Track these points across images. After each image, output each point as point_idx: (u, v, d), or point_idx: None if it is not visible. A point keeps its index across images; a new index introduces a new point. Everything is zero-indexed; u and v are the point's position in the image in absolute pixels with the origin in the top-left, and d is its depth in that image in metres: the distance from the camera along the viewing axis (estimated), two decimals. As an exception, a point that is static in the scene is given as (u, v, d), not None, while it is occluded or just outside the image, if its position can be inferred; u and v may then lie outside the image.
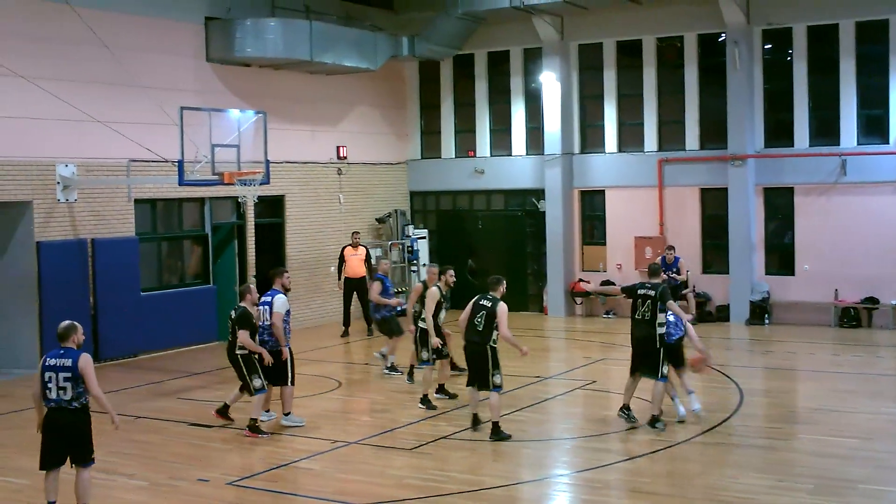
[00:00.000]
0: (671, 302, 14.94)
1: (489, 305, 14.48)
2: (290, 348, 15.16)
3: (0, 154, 19.31)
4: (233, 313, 15.03)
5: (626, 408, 15.18)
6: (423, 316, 16.96)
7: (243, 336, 14.72)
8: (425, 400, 16.49)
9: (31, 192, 19.86)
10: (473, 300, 14.77)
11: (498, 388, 14.41)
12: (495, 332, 14.40)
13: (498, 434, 14.32)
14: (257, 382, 14.90)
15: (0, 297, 20.33)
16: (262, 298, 15.26)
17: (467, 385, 14.94)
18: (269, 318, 14.97)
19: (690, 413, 15.20)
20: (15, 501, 11.89)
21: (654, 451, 13.62)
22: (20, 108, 19.56)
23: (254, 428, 14.85)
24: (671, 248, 24.19)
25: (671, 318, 15.08)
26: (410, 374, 18.63)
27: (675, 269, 23.41)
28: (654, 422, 14.76)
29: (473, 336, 14.55)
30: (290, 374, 15.13)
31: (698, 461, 13.28)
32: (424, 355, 16.81)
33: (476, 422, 14.86)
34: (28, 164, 19.81)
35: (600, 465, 13.06)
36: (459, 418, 15.54)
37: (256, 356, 14.88)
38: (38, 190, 19.97)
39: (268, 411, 15.65)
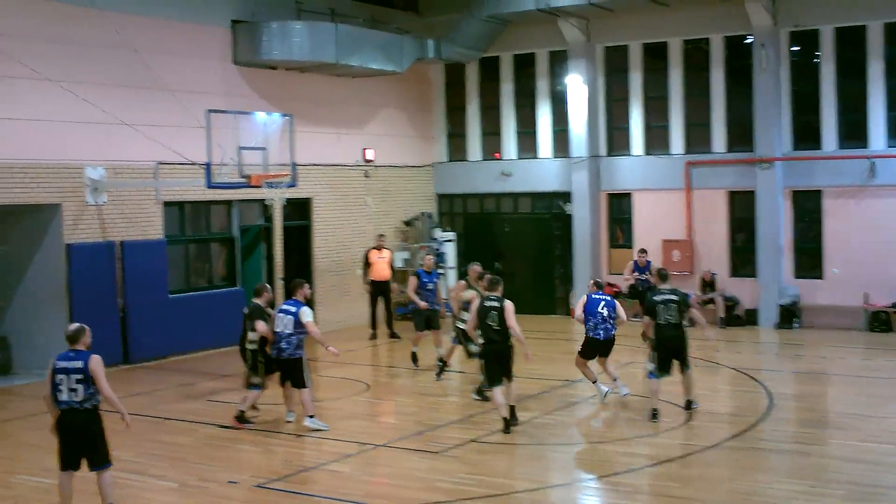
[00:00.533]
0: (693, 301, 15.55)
1: (498, 305, 15.03)
2: (305, 354, 15.38)
3: (30, 157, 19.42)
4: (245, 309, 15.68)
5: (655, 413, 15.55)
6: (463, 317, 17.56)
7: (261, 326, 15.25)
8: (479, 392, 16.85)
9: (60, 194, 19.97)
10: (479, 304, 15.30)
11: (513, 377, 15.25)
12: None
13: (515, 418, 15.07)
14: (256, 380, 15.52)
15: (30, 300, 20.48)
16: (283, 307, 15.47)
17: (491, 385, 15.08)
18: (290, 327, 15.14)
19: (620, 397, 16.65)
20: (46, 502, 11.93)
21: (683, 456, 13.56)
22: (50, 111, 19.66)
23: (241, 419, 15.48)
24: (643, 251, 24.58)
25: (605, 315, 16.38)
26: (440, 372, 19.02)
27: (647, 272, 23.78)
28: (689, 406, 15.92)
29: (493, 336, 14.99)
30: (307, 379, 15.31)
31: (728, 466, 13.21)
32: (473, 348, 16.85)
33: (508, 425, 14.86)
34: (58, 167, 19.91)
35: (629, 470, 13.01)
36: (488, 422, 15.51)
37: (261, 357, 15.47)
38: (67, 193, 20.07)
39: (291, 412, 15.87)
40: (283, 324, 15.18)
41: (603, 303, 16.52)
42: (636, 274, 24.35)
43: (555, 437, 14.80)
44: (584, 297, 16.84)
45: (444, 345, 19.46)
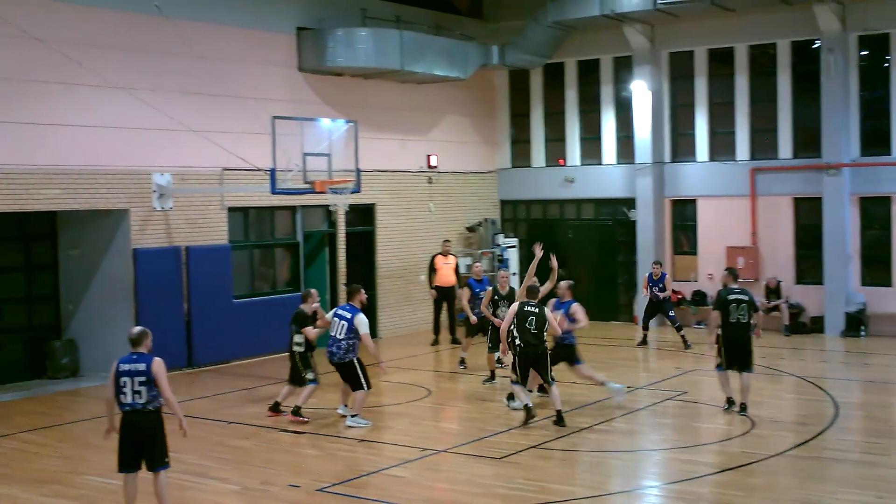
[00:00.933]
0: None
1: (537, 311, 15.72)
2: (359, 358, 15.98)
3: (99, 163, 19.71)
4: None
5: (731, 400, 16.39)
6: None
7: (311, 331, 16.22)
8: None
9: (128, 200, 20.24)
10: (517, 308, 15.85)
11: (554, 380, 15.89)
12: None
13: (562, 420, 15.48)
14: (310, 375, 16.42)
15: (98, 303, 20.78)
16: (338, 311, 16.06)
17: (516, 384, 15.81)
18: (343, 332, 15.74)
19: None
20: (112, 502, 12.09)
21: (746, 464, 13.40)
22: (119, 118, 19.94)
23: (297, 412, 16.20)
24: (658, 263, 24.59)
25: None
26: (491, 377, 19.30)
27: (661, 286, 23.89)
28: (744, 409, 16.14)
29: (531, 339, 15.62)
30: (363, 380, 15.90)
31: (792, 475, 13.04)
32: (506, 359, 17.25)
33: (529, 418, 15.61)
34: (126, 173, 20.18)
35: (691, 478, 12.90)
36: (550, 428, 15.48)
37: (310, 354, 16.35)
38: (134, 198, 20.34)
39: (345, 405, 16.42)
40: (338, 328, 15.76)
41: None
42: (651, 286, 24.06)
43: (616, 445, 14.74)
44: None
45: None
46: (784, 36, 25.76)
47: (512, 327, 15.78)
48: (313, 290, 17.07)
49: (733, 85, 26.54)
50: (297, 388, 16.56)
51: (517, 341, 15.71)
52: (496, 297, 18.98)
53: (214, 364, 21.67)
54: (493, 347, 18.70)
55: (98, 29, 19.76)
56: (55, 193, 19.08)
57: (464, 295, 20.59)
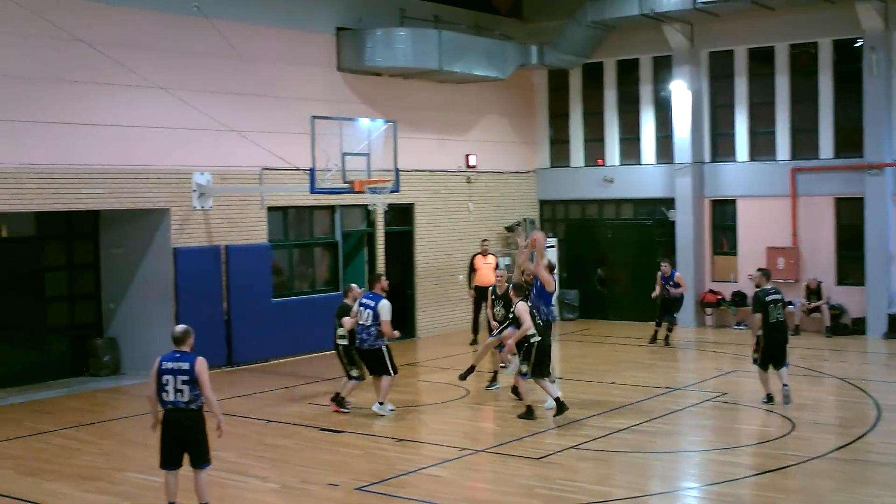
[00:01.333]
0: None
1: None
2: (387, 345, 16.64)
3: (140, 163, 19.87)
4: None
5: (771, 396, 16.92)
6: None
7: (347, 321, 16.60)
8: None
9: (168, 199, 20.38)
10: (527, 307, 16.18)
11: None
12: None
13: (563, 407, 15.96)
14: (354, 372, 16.85)
15: (139, 302, 20.95)
16: (363, 300, 16.61)
17: (535, 377, 16.12)
18: (370, 319, 16.34)
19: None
20: (154, 499, 12.18)
21: (786, 466, 13.32)
22: (159, 118, 20.09)
23: (338, 401, 16.91)
24: (666, 260, 24.44)
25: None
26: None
27: (672, 282, 23.72)
28: (786, 386, 16.90)
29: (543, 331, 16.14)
30: (389, 367, 16.55)
31: (834, 478, 12.94)
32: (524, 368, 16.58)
33: (531, 413, 16.15)
34: (166, 173, 20.33)
35: (731, 479, 12.83)
36: (587, 428, 15.47)
37: (354, 350, 16.68)
38: (175, 197, 20.48)
39: (381, 403, 16.76)
40: (364, 316, 16.39)
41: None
42: (663, 284, 23.89)
43: (655, 445, 14.69)
44: None
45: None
46: (825, 34, 25.57)
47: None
48: (354, 285, 17.45)
49: (773, 84, 26.37)
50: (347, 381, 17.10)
51: (535, 337, 16.00)
52: (493, 297, 18.84)
53: (254, 363, 21.78)
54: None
55: (140, 30, 19.91)
56: (97, 193, 19.25)
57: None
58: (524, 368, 16.13)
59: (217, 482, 12.36)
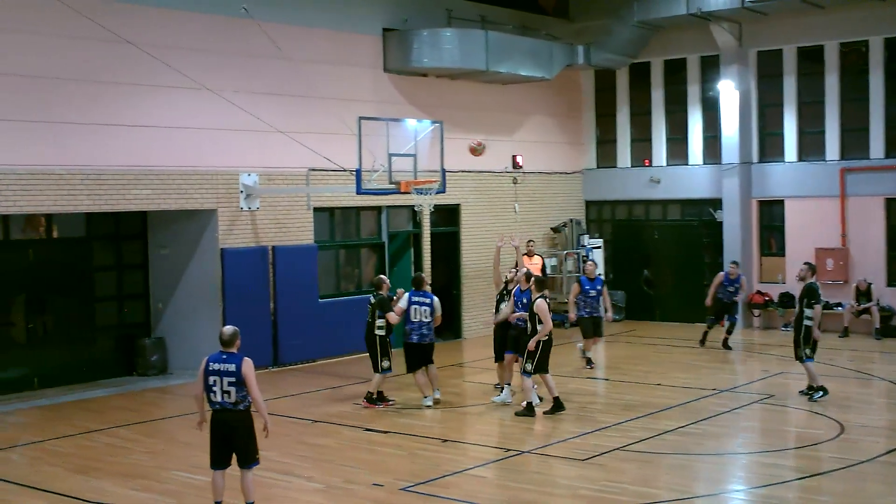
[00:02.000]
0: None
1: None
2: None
3: (188, 164, 20.02)
4: (372, 299, 17.64)
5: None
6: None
7: (393, 316, 17.25)
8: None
9: (215, 200, 20.52)
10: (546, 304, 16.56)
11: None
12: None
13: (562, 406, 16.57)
14: (385, 364, 17.39)
15: (186, 302, 21.11)
16: (414, 298, 17.28)
17: (538, 372, 16.48)
18: (428, 315, 17.16)
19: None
20: (199, 497, 12.27)
21: (834, 470, 13.18)
22: (207, 119, 20.24)
23: (371, 399, 17.40)
24: (735, 263, 24.09)
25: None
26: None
27: (736, 286, 23.43)
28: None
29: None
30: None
31: (882, 481, 12.81)
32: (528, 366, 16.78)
33: (531, 409, 16.47)
34: (214, 174, 20.47)
35: (777, 482, 12.72)
36: (632, 430, 15.41)
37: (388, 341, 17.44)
38: (222, 198, 20.61)
39: (427, 396, 17.48)
40: (421, 313, 17.13)
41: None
42: (726, 286, 23.54)
43: (701, 447, 14.60)
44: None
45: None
46: (876, 32, 25.29)
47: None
48: (383, 276, 18.18)
49: (823, 83, 26.12)
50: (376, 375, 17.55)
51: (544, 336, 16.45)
52: (504, 292, 18.66)
53: (300, 363, 21.88)
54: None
55: (187, 32, 20.07)
56: (146, 194, 19.43)
57: (573, 291, 20.96)
58: (528, 367, 16.47)
59: (261, 481, 12.42)
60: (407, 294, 17.51)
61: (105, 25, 18.23)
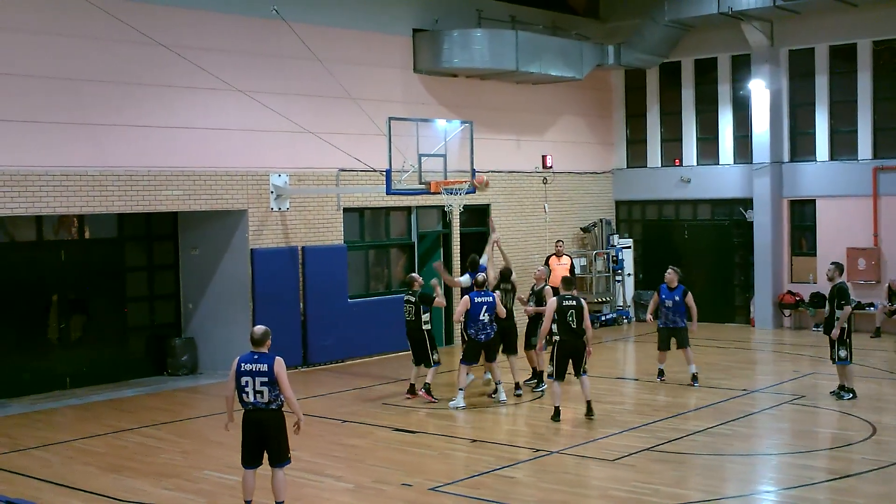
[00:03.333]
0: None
1: (575, 304, 16.40)
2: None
3: (218, 165, 20.12)
4: (412, 297, 18.20)
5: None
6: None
7: (440, 301, 18.35)
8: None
9: (246, 200, 20.60)
10: (556, 302, 16.49)
11: (586, 371, 16.62)
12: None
13: (591, 411, 16.38)
14: (436, 356, 18.14)
15: (216, 302, 21.21)
16: (477, 296, 17.65)
17: (557, 379, 16.49)
18: (491, 311, 17.64)
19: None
20: (231, 498, 12.33)
21: (867, 471, 13.11)
22: (239, 120, 20.33)
23: (429, 391, 17.87)
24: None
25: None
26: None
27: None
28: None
29: (569, 332, 16.36)
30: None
31: (915, 482, 12.75)
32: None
33: (558, 414, 16.35)
34: (244, 175, 20.56)
35: (809, 483, 12.66)
36: (663, 430, 15.37)
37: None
38: (252, 199, 20.70)
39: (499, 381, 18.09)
40: (484, 309, 17.58)
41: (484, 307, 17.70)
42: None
43: (732, 448, 14.54)
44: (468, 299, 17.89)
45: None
46: (910, 30, 25.16)
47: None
48: (415, 275, 18.98)
49: (855, 82, 25.95)
50: (425, 369, 18.16)
51: (556, 336, 16.68)
52: (530, 293, 19.61)
53: (329, 363, 21.94)
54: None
55: (218, 33, 20.16)
56: (177, 194, 19.53)
57: (652, 300, 19.93)
58: (549, 369, 17.04)
59: (292, 481, 12.45)
60: (467, 275, 18.86)
61: (138, 27, 18.33)
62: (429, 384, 17.91)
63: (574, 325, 16.25)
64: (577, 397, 18.33)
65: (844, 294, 17.11)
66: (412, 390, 18.26)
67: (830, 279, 17.42)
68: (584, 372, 16.47)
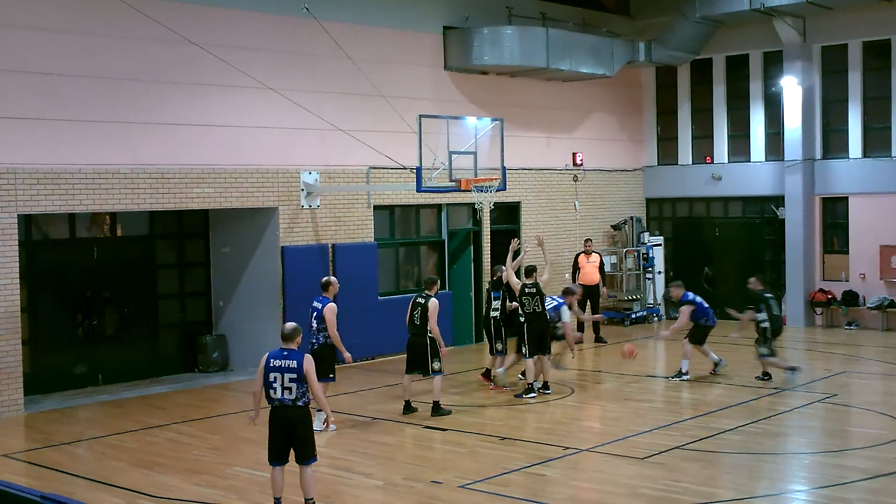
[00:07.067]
0: None
1: (534, 291, 18.21)
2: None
3: (249, 162, 20.20)
4: (532, 289, 18.31)
5: None
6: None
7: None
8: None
9: (276, 198, 20.68)
10: (520, 289, 18.18)
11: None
12: None
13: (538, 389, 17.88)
14: (499, 345, 18.96)
15: (247, 299, 21.29)
16: (552, 302, 18.64)
17: (531, 356, 17.99)
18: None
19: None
20: (262, 494, 12.38)
21: (899, 470, 13.06)
22: (270, 118, 20.41)
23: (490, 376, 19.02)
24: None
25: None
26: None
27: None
28: None
29: (532, 317, 18.17)
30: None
31: (948, 482, 12.65)
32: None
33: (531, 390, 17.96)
34: (275, 172, 20.63)
35: (840, 483, 12.59)
36: (693, 428, 15.33)
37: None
38: (283, 197, 20.77)
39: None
40: (552, 307, 18.63)
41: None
42: None
43: (762, 447, 14.48)
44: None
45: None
46: (945, 26, 24.95)
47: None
48: (501, 265, 19.40)
49: (889, 78, 25.76)
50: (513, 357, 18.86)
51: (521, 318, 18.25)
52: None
53: (360, 361, 21.94)
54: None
55: (250, 31, 20.24)
56: (208, 192, 19.63)
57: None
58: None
59: (321, 478, 12.51)
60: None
61: (170, 26, 18.43)
62: (489, 370, 18.99)
63: (539, 309, 18.09)
64: (604, 395, 18.34)
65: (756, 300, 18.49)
66: (487, 374, 19.19)
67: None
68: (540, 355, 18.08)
